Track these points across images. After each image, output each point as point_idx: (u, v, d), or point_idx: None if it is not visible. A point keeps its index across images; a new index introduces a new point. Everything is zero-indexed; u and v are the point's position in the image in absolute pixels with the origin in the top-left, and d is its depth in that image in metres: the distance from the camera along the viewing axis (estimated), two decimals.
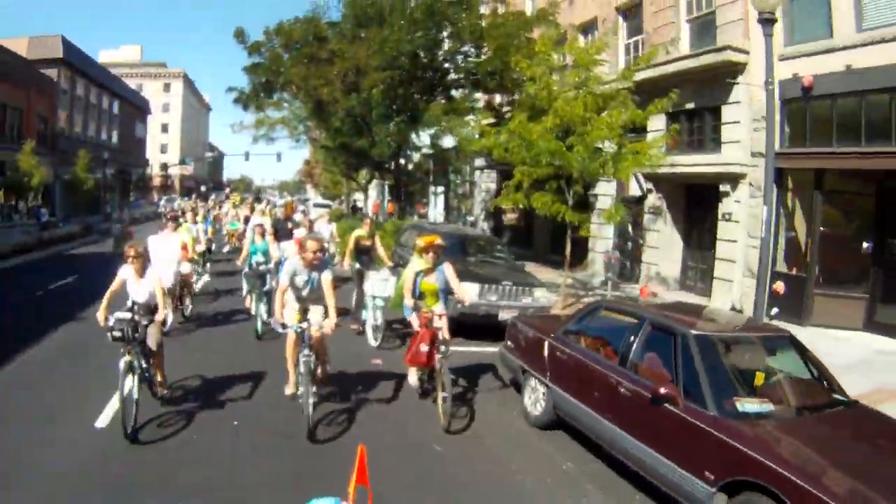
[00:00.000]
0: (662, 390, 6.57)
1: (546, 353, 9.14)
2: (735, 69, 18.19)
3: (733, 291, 18.30)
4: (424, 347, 9.59)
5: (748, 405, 6.32)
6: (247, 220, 25.98)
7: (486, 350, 12.74)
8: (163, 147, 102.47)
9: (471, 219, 38.39)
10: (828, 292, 16.71)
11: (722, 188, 18.72)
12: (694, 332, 7.05)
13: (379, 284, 13.59)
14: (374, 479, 5.40)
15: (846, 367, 13.11)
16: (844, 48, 15.64)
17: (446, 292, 10.45)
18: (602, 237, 24.35)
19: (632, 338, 7.70)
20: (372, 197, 52.92)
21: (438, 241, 10.47)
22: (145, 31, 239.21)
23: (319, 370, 9.58)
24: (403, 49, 25.25)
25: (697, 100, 19.45)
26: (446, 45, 27.91)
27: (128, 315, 8.68)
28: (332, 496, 3.12)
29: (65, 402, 9.29)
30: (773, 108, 12.77)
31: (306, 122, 35.47)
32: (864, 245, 16.15)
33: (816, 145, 16.59)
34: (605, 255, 22.63)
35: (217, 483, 7.05)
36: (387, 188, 49.57)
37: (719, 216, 19.06)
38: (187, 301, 15.86)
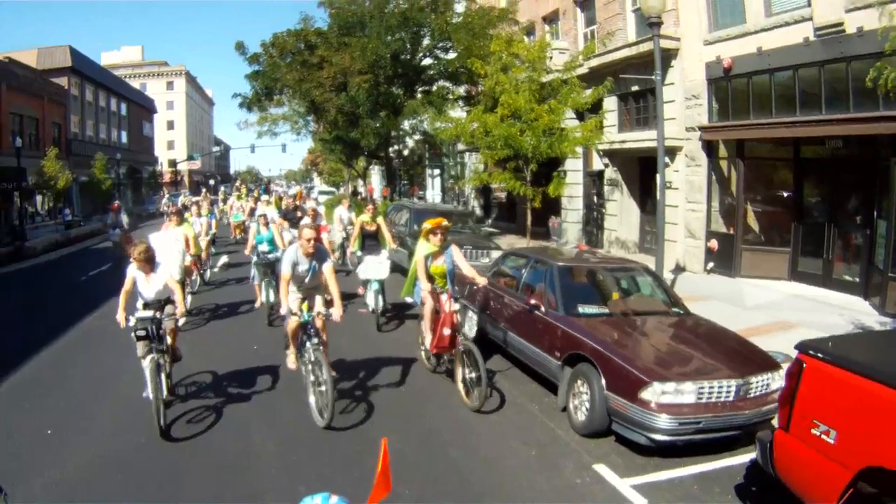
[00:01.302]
0: (532, 301, 9.74)
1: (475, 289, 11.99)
2: (669, 54, 20.57)
3: (677, 250, 20.88)
4: (447, 331, 9.73)
5: (587, 309, 9.37)
6: (252, 211, 26.57)
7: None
8: (170, 144, 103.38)
9: (463, 199, 41.10)
10: (755, 247, 19.30)
11: None
12: (557, 264, 10.12)
13: (373, 267, 13.90)
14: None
15: (757, 306, 15.79)
16: (756, 32, 18.04)
17: (453, 273, 10.52)
18: (572, 209, 27.00)
19: (523, 271, 10.85)
20: (375, 182, 55.52)
21: (444, 222, 10.48)
22: (144, 31, 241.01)
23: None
24: (381, 53, 28.12)
25: (641, 82, 21.95)
26: (425, 43, 30.85)
27: (149, 314, 8.87)
28: (323, 492, 2.95)
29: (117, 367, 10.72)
30: (661, 95, 15.31)
31: (306, 117, 38.27)
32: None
33: (737, 118, 19.08)
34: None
35: (232, 475, 7.22)
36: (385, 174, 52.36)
37: None
38: (187, 294, 15.69)
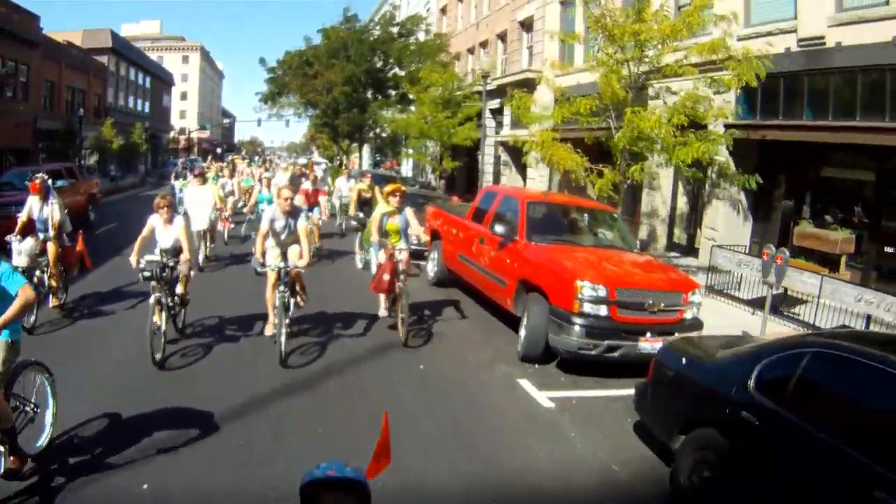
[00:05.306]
0: None
1: None
2: (535, 81, 31.60)
3: None
4: (387, 276, 10.70)
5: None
6: (261, 177, 29.80)
7: None
8: (182, 113, 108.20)
9: (426, 173, 52.57)
10: None
11: (525, 149, 32.55)
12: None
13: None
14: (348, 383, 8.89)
15: None
16: (577, 72, 28.96)
17: (407, 231, 11.42)
18: (486, 181, 38.25)
19: None
20: (365, 157, 66.67)
21: (402, 188, 11.53)
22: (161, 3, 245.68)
23: (298, 299, 10.23)
24: (355, 73, 40.89)
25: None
26: (391, 60, 43.46)
27: (156, 257, 9.22)
28: (338, 461, 2.61)
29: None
30: (486, 113, 26.35)
31: (305, 106, 50.63)
32: None
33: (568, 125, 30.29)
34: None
35: (214, 396, 8.08)
36: (373, 150, 65.19)
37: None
38: (209, 244, 16.58)
